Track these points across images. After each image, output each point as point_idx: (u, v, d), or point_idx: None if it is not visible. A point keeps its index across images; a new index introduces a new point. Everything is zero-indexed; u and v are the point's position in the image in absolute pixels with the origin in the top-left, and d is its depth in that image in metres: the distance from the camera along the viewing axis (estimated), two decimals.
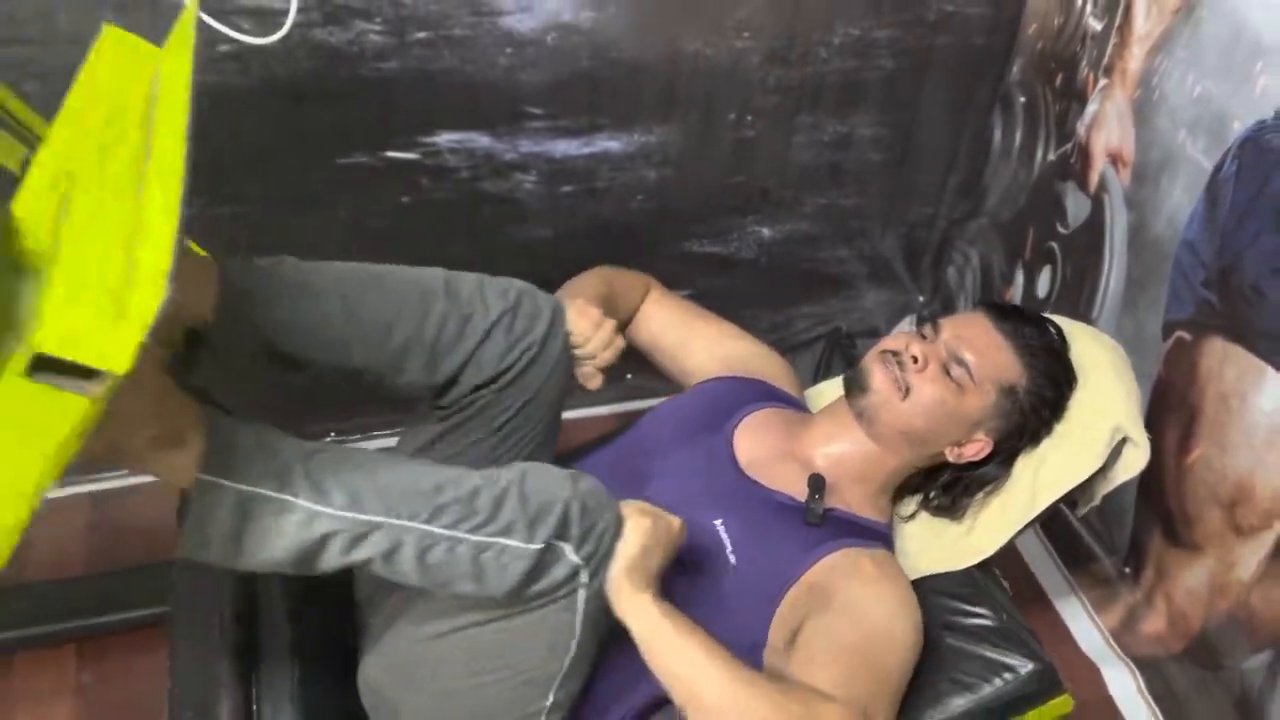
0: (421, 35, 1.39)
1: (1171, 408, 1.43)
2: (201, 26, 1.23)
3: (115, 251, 0.68)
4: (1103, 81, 1.51)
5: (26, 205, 0.93)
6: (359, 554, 0.86)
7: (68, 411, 0.65)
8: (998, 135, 1.78)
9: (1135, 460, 1.17)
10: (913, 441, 1.15)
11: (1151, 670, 1.54)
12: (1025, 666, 1.10)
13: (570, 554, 0.89)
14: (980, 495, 1.20)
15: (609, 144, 1.58)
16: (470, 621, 0.95)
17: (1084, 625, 1.63)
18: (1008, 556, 1.23)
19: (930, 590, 1.09)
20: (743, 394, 1.25)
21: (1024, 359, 1.13)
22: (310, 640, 1.12)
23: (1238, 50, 1.25)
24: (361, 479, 0.86)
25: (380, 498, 0.85)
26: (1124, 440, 1.16)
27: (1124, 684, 1.55)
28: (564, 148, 1.56)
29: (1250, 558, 1.35)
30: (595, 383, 1.14)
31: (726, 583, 1.05)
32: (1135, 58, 1.44)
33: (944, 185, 1.85)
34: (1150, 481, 1.48)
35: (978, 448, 1.15)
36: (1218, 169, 1.31)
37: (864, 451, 1.16)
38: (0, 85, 0.99)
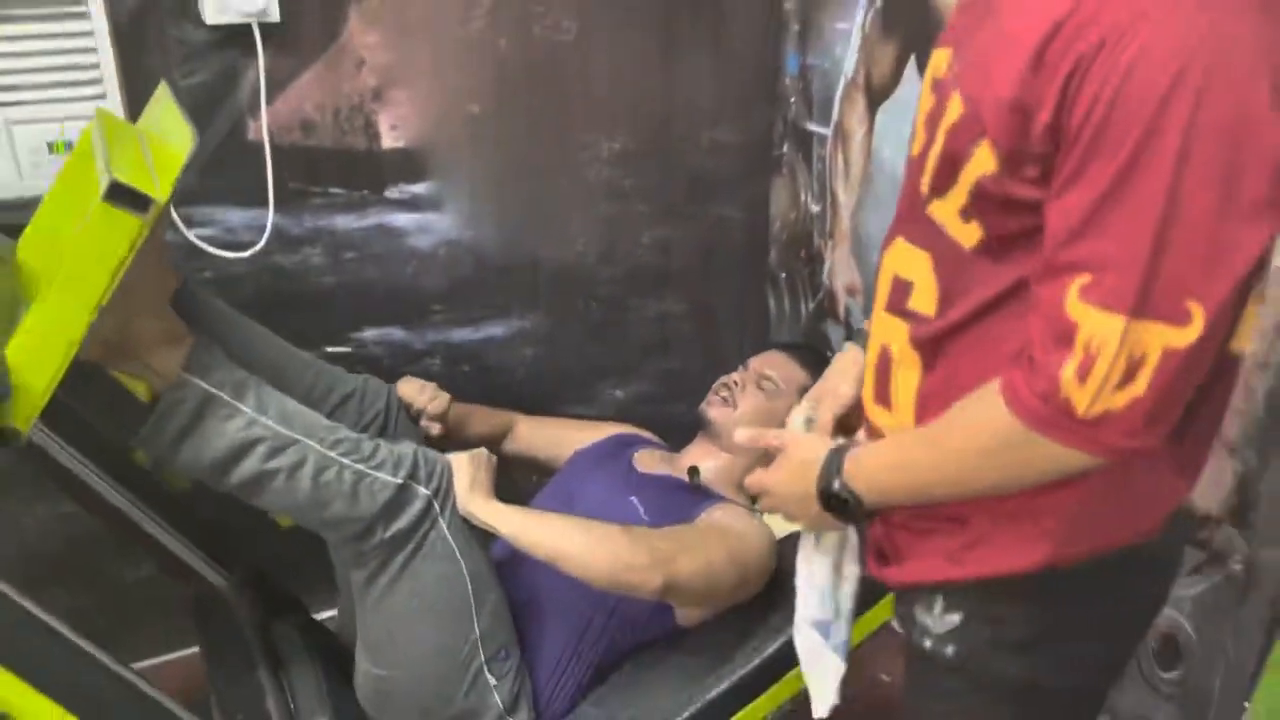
0: (351, 255, 1.90)
1: None
2: (191, 250, 1.69)
3: (141, 159, 1.04)
4: (830, 242, 2.18)
5: (28, 247, 1.21)
6: (274, 463, 1.17)
7: (128, 230, 0.90)
8: (772, 303, 2.41)
9: None
10: None
11: None
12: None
13: (421, 489, 1.27)
14: None
15: (493, 330, 2.09)
16: (388, 579, 1.27)
17: None
18: None
19: (790, 550, 1.52)
20: (628, 441, 1.71)
21: (809, 369, 1.66)
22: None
23: None
24: (289, 405, 1.22)
25: (301, 421, 1.22)
26: None
27: None
28: (460, 335, 2.06)
29: None
30: (435, 430, 1.58)
31: None
32: (845, 220, 2.12)
33: (741, 348, 2.43)
34: None
35: None
36: None
37: (722, 461, 1.63)
38: None
